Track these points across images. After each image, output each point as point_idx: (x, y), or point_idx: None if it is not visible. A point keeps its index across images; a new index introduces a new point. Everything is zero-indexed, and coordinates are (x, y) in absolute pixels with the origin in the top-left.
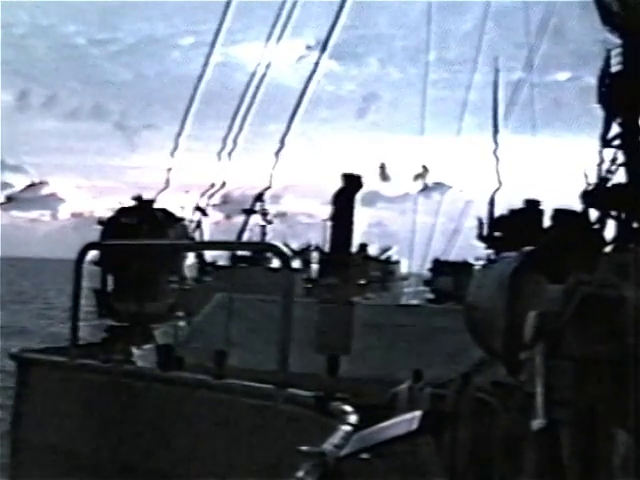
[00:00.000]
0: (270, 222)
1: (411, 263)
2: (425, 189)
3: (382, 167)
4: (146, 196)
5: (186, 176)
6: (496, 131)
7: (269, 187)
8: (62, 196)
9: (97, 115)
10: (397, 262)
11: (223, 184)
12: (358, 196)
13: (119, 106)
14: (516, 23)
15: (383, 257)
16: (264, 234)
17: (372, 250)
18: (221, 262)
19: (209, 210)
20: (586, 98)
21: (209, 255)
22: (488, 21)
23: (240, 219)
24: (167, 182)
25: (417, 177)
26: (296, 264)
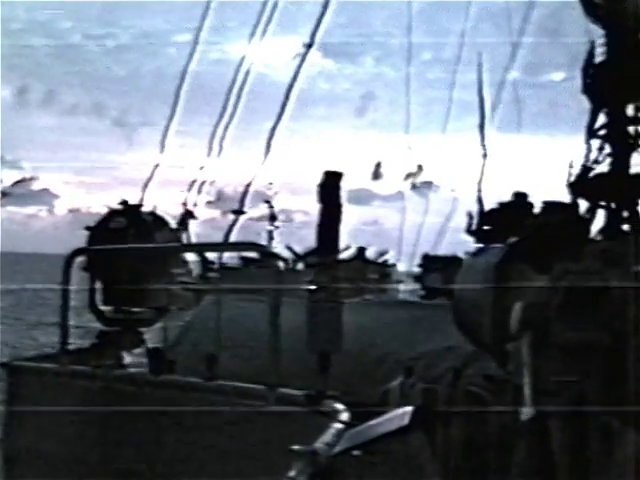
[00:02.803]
0: (277, 227)
1: (399, 258)
2: (414, 188)
3: (377, 166)
4: (137, 193)
5: (179, 173)
6: (482, 128)
7: (273, 190)
8: (58, 192)
9: (95, 112)
10: (393, 265)
11: (212, 182)
12: (347, 193)
13: (117, 103)
14: (514, 23)
15: (380, 260)
16: (271, 238)
17: (370, 254)
18: (229, 263)
19: (202, 207)
20: (581, 98)
21: (215, 256)
22: (486, 21)
23: (239, 217)
24: (150, 179)
25: (408, 176)
26: (300, 267)
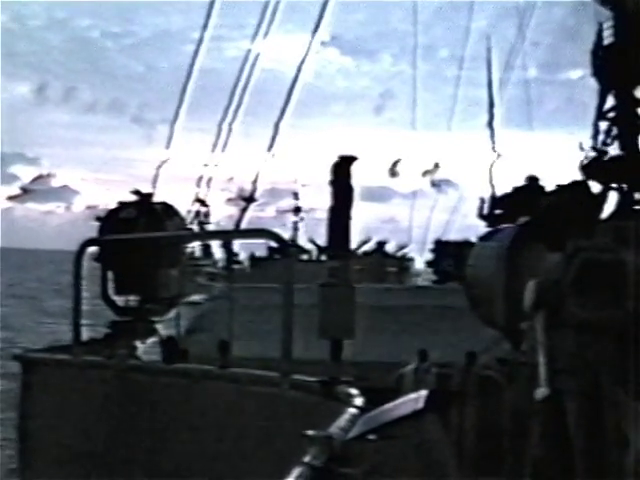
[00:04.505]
0: (302, 219)
1: (411, 248)
2: (433, 185)
3: (395, 163)
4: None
5: (197, 169)
6: (492, 123)
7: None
8: (76, 188)
9: (114, 109)
10: (412, 259)
11: (231, 179)
12: (364, 190)
13: (135, 100)
14: (534, 21)
15: (399, 254)
16: (296, 229)
17: (389, 247)
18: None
19: (222, 204)
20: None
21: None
22: (504, 19)
23: (256, 212)
24: (156, 175)
25: (425, 173)
26: (323, 258)
